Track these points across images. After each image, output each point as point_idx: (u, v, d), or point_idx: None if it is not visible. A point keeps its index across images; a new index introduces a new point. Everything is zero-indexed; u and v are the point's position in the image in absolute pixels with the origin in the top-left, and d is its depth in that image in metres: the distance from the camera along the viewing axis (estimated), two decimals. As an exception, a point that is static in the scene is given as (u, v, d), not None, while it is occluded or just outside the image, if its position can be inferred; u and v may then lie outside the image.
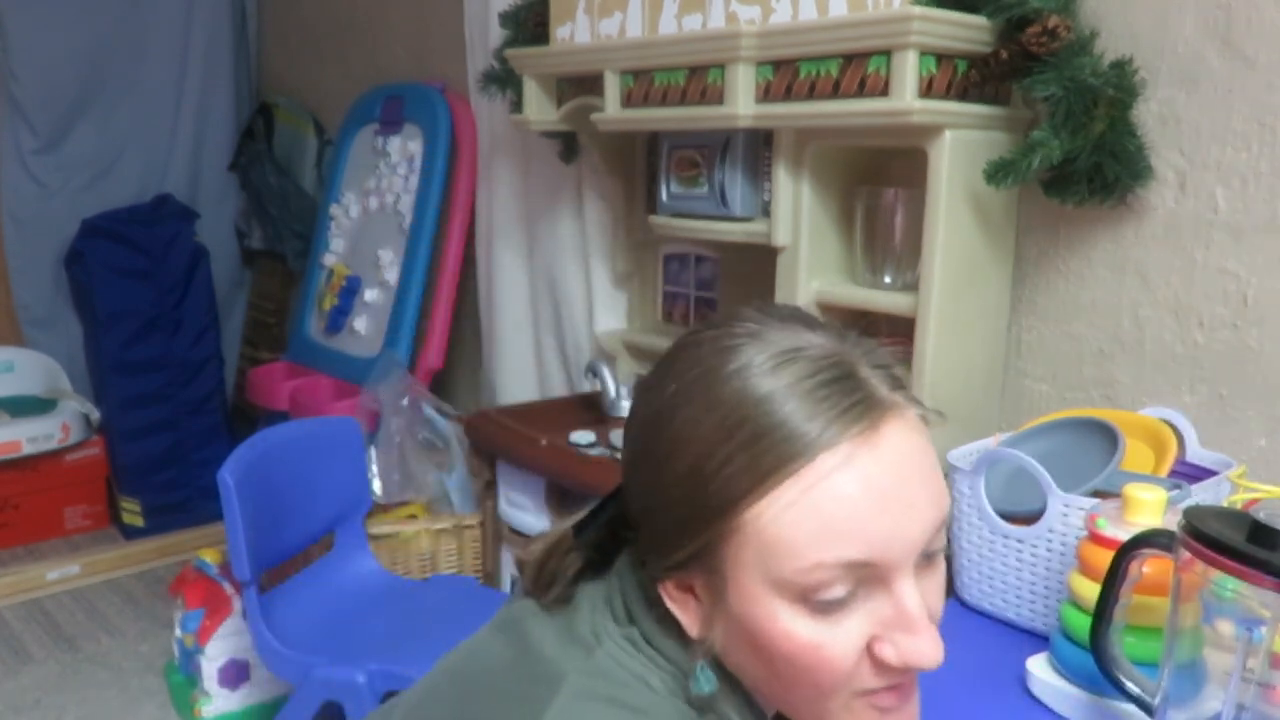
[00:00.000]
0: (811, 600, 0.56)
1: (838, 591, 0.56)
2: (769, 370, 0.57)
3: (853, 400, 0.56)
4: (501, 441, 1.72)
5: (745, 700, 0.64)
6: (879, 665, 0.58)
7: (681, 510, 0.58)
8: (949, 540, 1.18)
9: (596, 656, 0.62)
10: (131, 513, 3.14)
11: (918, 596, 0.58)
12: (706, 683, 0.61)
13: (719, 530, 0.57)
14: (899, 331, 1.36)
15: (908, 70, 1.19)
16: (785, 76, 1.34)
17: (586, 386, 2.01)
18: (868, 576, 0.57)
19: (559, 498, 1.63)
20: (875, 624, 0.58)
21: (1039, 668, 0.97)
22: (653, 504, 0.61)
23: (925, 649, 0.57)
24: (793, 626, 0.57)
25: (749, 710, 0.64)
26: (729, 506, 0.56)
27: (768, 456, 0.55)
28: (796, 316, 0.62)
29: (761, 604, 0.57)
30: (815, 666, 0.57)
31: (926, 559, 0.59)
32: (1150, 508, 0.90)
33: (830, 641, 0.57)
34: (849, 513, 0.55)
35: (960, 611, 1.16)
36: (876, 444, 0.56)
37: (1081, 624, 0.90)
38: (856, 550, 0.55)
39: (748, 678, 0.62)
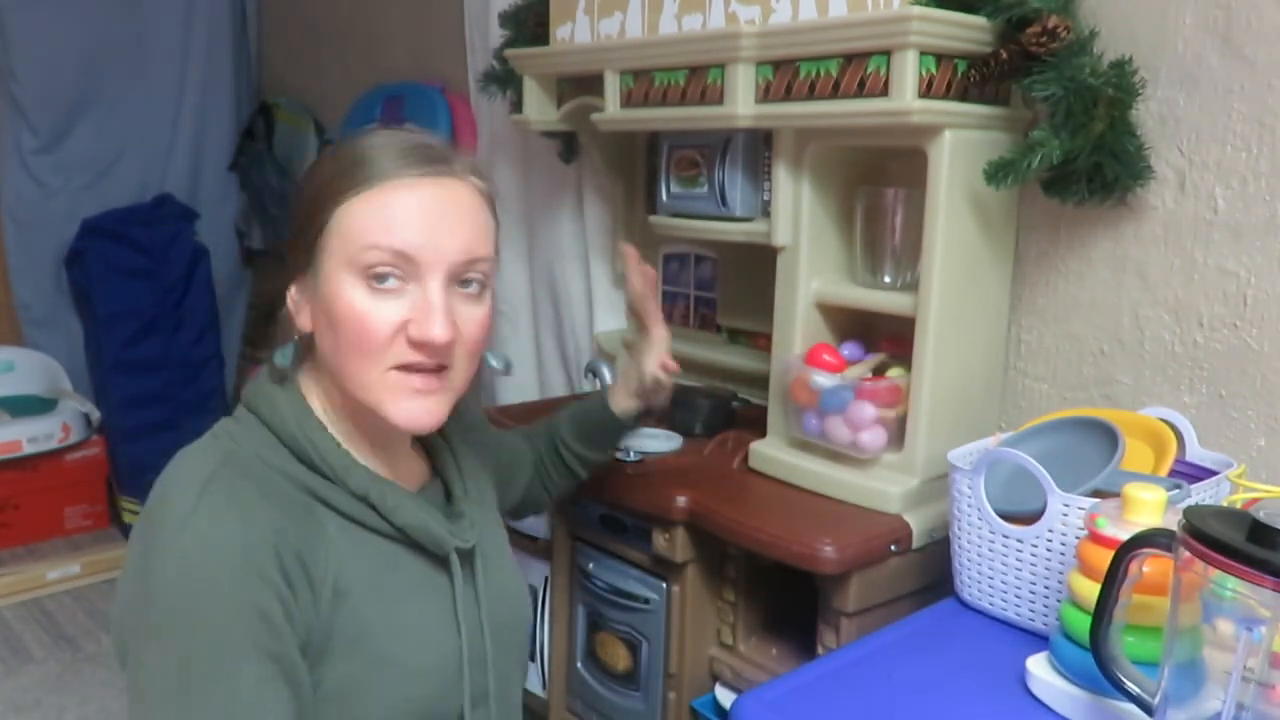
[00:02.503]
0: (368, 278, 0.80)
1: (388, 272, 0.80)
2: (380, 134, 0.84)
3: (431, 158, 0.83)
4: (501, 441, 1.72)
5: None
6: (411, 343, 0.81)
7: (303, 220, 0.83)
8: (949, 539, 1.18)
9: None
10: (132, 513, 3.14)
11: (442, 296, 0.81)
12: (283, 357, 0.87)
13: (321, 224, 0.81)
14: (899, 331, 1.36)
15: (907, 70, 1.19)
16: (785, 76, 1.34)
17: (586, 386, 2.00)
18: (410, 272, 0.80)
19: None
20: (410, 309, 0.81)
21: (1039, 668, 0.97)
22: (292, 228, 0.86)
23: (434, 328, 0.80)
24: (353, 296, 0.80)
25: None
26: (328, 207, 0.81)
27: (355, 176, 0.81)
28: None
29: (336, 280, 0.81)
30: (362, 330, 0.80)
31: (464, 285, 0.84)
32: (1150, 507, 0.90)
33: (374, 311, 0.80)
34: (402, 216, 0.80)
35: (960, 611, 1.16)
36: (441, 185, 0.82)
37: (1081, 624, 0.90)
38: (401, 242, 0.80)
39: (327, 358, 0.84)
